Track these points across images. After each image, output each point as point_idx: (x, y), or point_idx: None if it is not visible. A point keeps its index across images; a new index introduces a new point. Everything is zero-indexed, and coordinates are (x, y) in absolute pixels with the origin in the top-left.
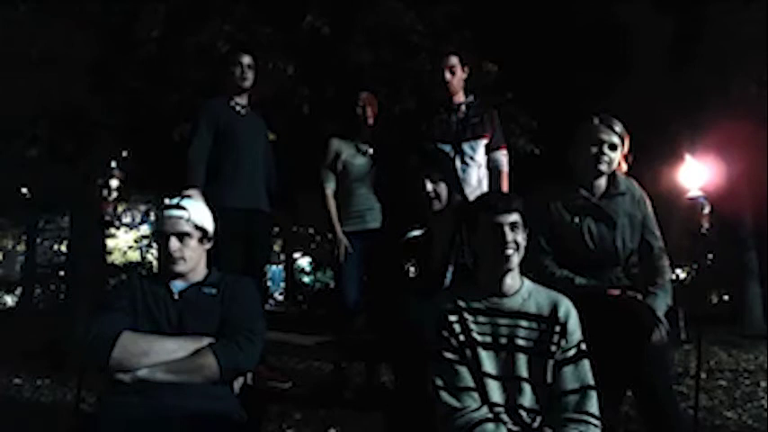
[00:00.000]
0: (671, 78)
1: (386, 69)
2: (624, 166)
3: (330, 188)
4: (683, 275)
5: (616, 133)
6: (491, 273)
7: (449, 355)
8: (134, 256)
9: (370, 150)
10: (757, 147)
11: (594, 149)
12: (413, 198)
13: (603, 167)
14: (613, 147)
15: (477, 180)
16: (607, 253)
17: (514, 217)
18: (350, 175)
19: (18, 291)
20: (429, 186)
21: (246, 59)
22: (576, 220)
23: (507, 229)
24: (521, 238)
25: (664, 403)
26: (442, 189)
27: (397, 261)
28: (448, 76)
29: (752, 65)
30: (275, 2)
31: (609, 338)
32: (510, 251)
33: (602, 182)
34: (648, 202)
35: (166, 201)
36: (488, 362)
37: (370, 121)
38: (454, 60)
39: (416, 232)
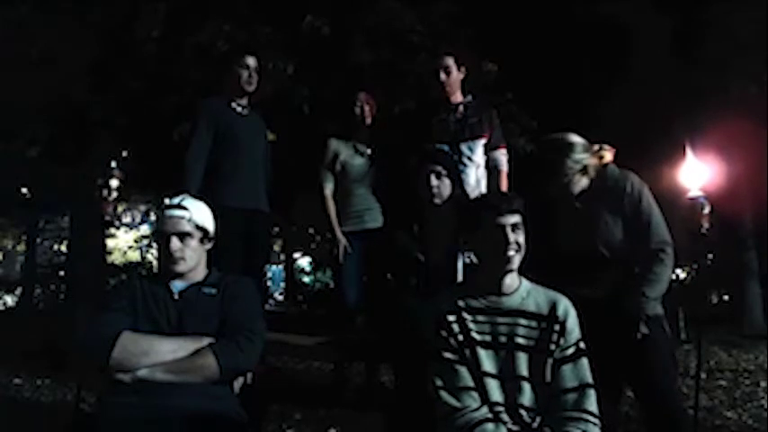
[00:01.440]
0: (671, 78)
1: (386, 69)
2: (608, 157)
3: (329, 188)
4: (682, 275)
5: (574, 161)
6: (491, 272)
7: (448, 354)
8: (134, 256)
9: (369, 151)
10: (757, 147)
11: (558, 181)
12: (413, 194)
13: (575, 189)
14: (578, 164)
15: (475, 180)
16: (594, 255)
17: (516, 218)
18: (349, 176)
19: (18, 291)
20: (434, 181)
21: (253, 62)
22: (558, 222)
23: (509, 230)
24: (522, 238)
25: (663, 404)
26: (446, 186)
27: (396, 261)
28: (443, 76)
29: (752, 65)
30: (275, 2)
31: (599, 338)
32: (512, 252)
33: (584, 182)
34: (647, 196)
35: (167, 200)
36: (488, 361)
37: (368, 121)
38: (449, 61)
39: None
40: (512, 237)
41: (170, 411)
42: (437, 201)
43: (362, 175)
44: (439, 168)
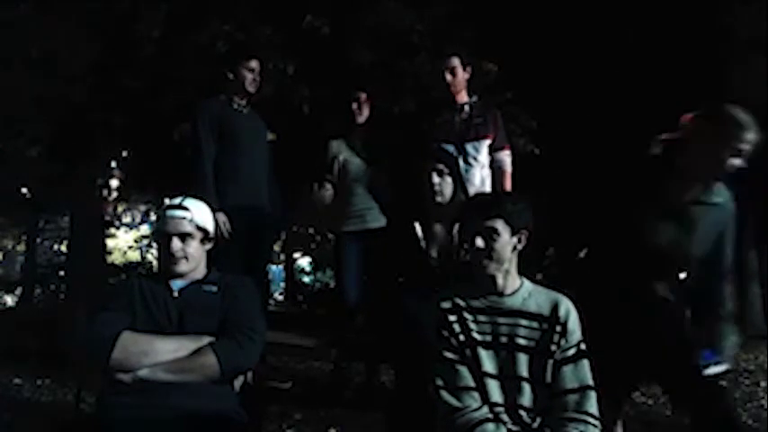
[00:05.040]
0: (672, 77)
1: (386, 69)
2: None
3: (326, 189)
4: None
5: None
6: (474, 271)
7: (449, 354)
8: (134, 256)
9: (367, 150)
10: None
11: (732, 152)
12: (416, 194)
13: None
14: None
15: (480, 180)
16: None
17: (491, 223)
18: (348, 175)
19: (18, 291)
20: (436, 179)
21: (256, 65)
22: (668, 224)
23: (479, 236)
24: (500, 244)
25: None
26: (448, 184)
27: (396, 261)
28: (449, 77)
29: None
30: (275, 2)
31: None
32: (479, 259)
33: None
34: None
35: (168, 201)
36: (488, 361)
37: (360, 120)
38: (455, 62)
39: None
40: (478, 242)
41: (170, 411)
42: (439, 199)
43: (362, 174)
44: (441, 167)
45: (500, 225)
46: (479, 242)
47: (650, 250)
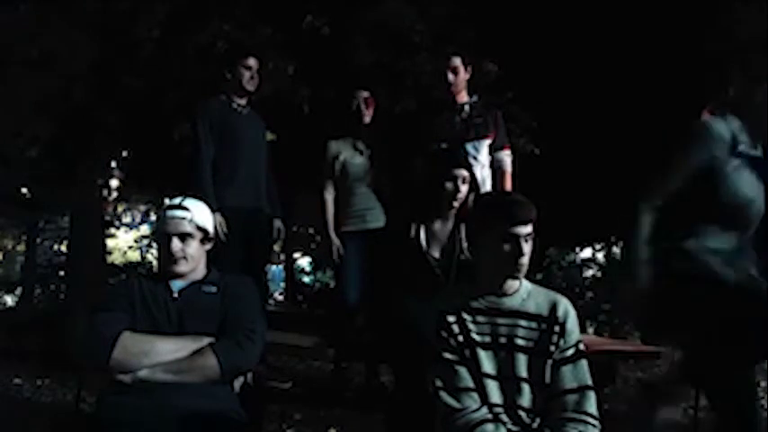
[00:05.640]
0: (673, 76)
1: (386, 69)
2: None
3: (329, 193)
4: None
5: None
6: (495, 276)
7: (448, 355)
8: (134, 256)
9: (369, 150)
10: None
11: None
12: (426, 194)
13: None
14: None
15: (480, 180)
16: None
17: (530, 228)
18: (350, 175)
19: (18, 291)
20: (462, 187)
21: (255, 63)
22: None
23: (524, 240)
24: (530, 248)
25: None
26: (465, 189)
27: (397, 261)
28: (450, 77)
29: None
30: (275, 2)
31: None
32: (523, 262)
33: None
34: None
35: (168, 201)
36: (487, 362)
37: (367, 120)
38: (457, 61)
39: None
40: (525, 248)
41: (170, 411)
42: (456, 204)
43: (363, 174)
44: (465, 174)
45: (533, 229)
46: (528, 248)
47: (730, 204)
